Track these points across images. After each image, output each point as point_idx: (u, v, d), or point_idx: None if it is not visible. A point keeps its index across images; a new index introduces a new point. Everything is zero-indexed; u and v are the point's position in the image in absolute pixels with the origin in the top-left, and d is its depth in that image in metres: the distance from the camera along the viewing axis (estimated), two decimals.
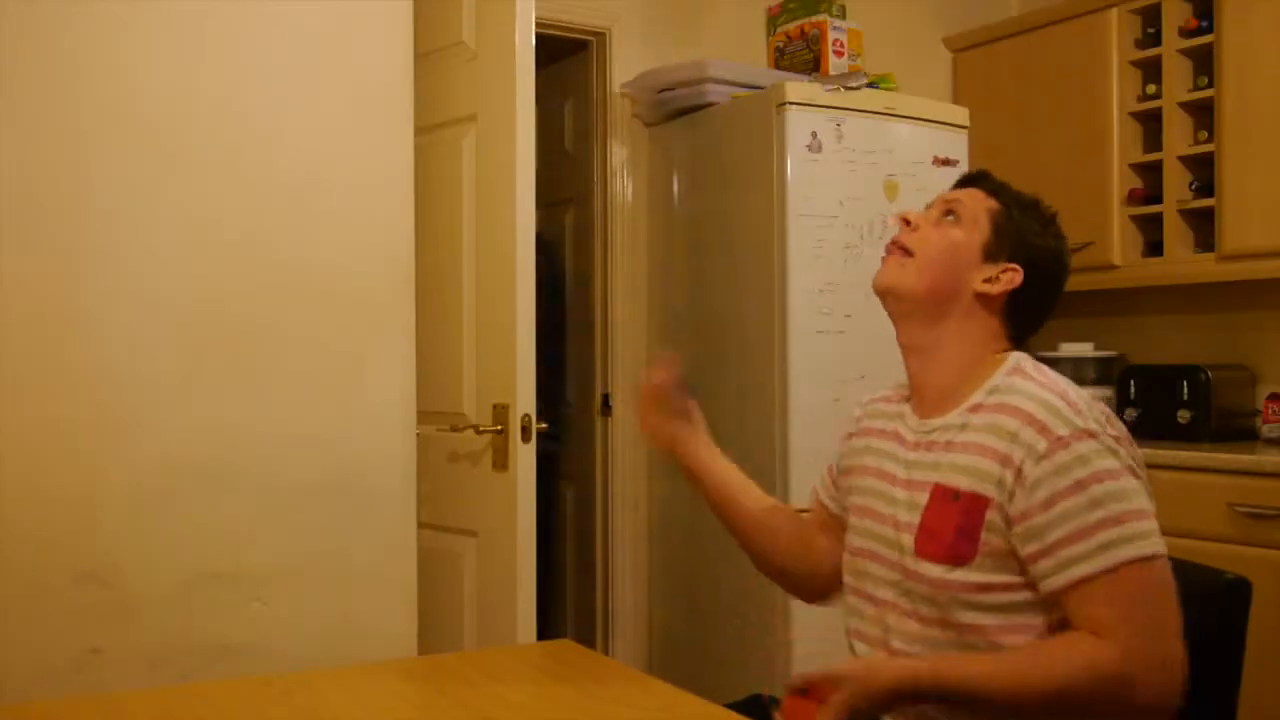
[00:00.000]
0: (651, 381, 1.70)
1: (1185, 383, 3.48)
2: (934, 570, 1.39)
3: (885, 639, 1.47)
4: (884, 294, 1.52)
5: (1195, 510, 3.05)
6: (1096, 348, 3.83)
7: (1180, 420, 3.46)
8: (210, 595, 2.06)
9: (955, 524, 1.38)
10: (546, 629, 2.57)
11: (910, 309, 1.51)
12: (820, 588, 1.70)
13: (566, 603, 3.81)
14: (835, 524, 1.65)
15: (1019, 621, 1.35)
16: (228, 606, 2.08)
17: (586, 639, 3.49)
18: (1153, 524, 1.32)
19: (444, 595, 2.61)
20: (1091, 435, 1.33)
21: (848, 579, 1.56)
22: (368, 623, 2.21)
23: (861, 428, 1.62)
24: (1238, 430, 3.51)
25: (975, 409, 1.43)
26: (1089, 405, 1.37)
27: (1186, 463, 3.12)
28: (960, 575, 1.37)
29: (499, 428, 2.49)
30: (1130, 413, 3.58)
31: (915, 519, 1.43)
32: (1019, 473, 1.34)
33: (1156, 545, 1.30)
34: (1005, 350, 1.49)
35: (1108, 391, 3.68)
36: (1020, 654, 1.33)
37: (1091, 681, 1.27)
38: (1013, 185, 1.55)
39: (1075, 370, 3.68)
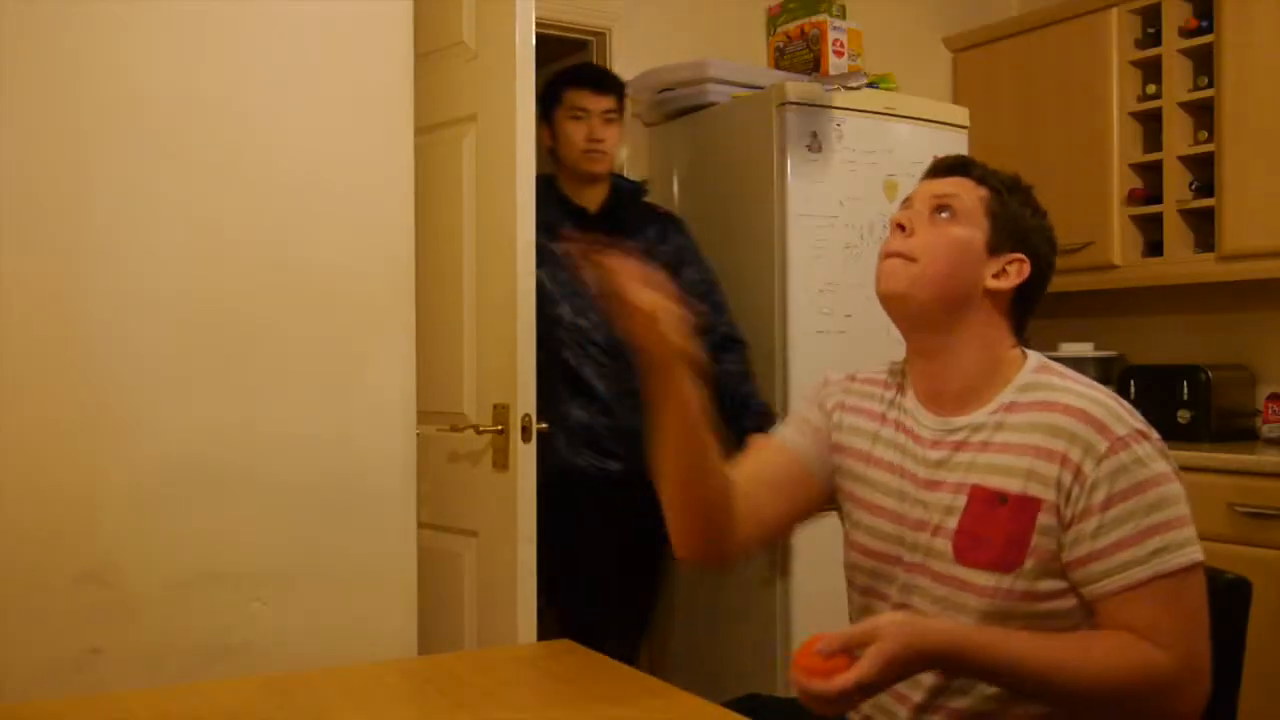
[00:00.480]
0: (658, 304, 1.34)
1: (1185, 383, 3.48)
2: (982, 578, 1.34)
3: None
4: (890, 302, 1.45)
5: (1195, 510, 3.03)
6: (1096, 348, 3.83)
7: (1180, 420, 3.46)
8: (210, 595, 2.06)
9: (1004, 528, 1.33)
10: (547, 629, 2.56)
11: (919, 316, 1.44)
12: (727, 551, 1.49)
13: None
14: (790, 473, 1.52)
15: (1057, 627, 1.33)
16: (228, 606, 2.08)
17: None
18: (1194, 531, 1.32)
19: (444, 595, 2.61)
20: (1146, 437, 1.32)
21: (859, 579, 1.50)
22: (368, 623, 2.21)
23: (849, 404, 1.55)
24: (1238, 430, 3.51)
25: (1010, 408, 1.38)
26: (1131, 408, 1.36)
27: (1186, 463, 3.09)
28: (1009, 583, 1.32)
29: (499, 428, 2.49)
30: None
31: (952, 523, 1.37)
32: (1078, 472, 1.30)
33: (1200, 553, 1.30)
34: (1015, 346, 1.46)
35: None
36: (1069, 642, 1.29)
37: (1145, 683, 1.26)
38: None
39: (1075, 370, 3.67)
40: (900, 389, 1.51)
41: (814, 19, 3.57)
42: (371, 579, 2.22)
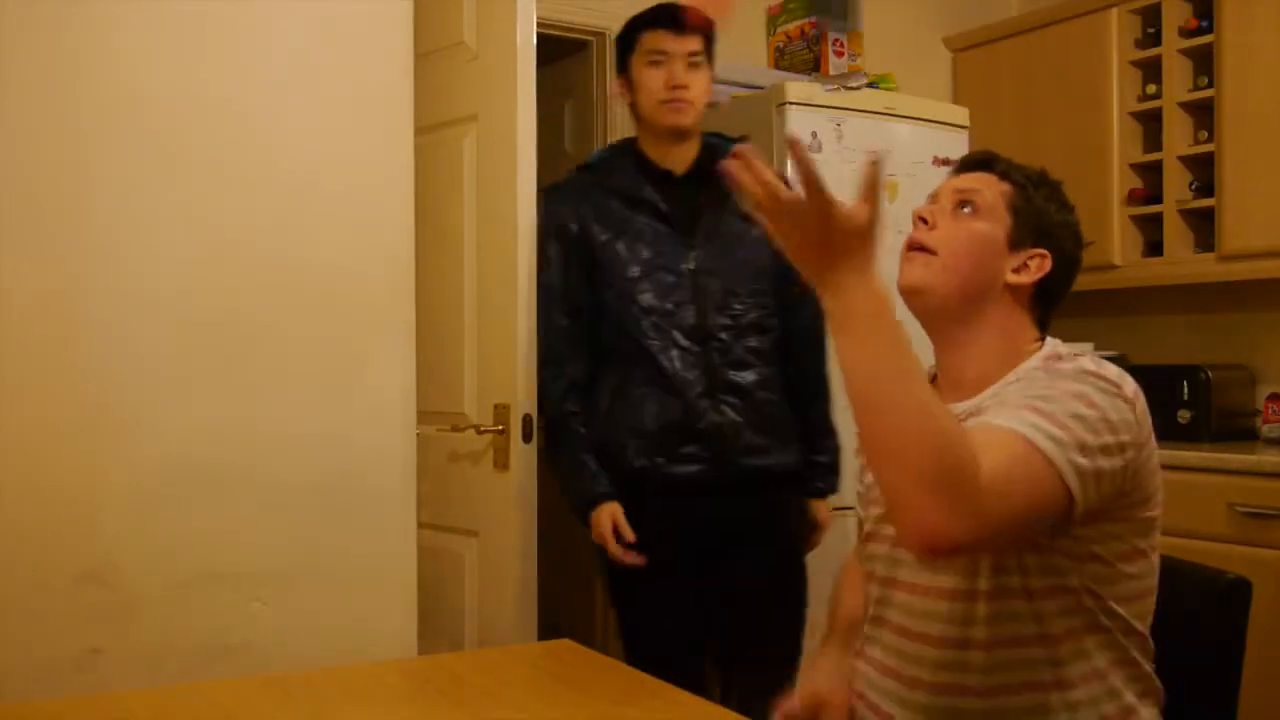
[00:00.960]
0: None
1: (1185, 383, 3.48)
2: (947, 581, 1.35)
3: (883, 614, 1.45)
4: (910, 294, 1.44)
5: (1195, 510, 3.05)
6: (1096, 348, 3.83)
7: (1180, 420, 3.46)
8: (210, 595, 2.06)
9: None
10: (546, 629, 2.56)
11: (939, 308, 1.43)
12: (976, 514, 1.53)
13: (567, 603, 3.80)
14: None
15: (1050, 583, 1.31)
16: (228, 606, 2.08)
17: (586, 639, 3.49)
18: (1084, 461, 1.21)
19: (444, 595, 2.61)
20: (1085, 372, 1.29)
21: (879, 570, 1.49)
22: (368, 623, 2.21)
23: None
24: (1238, 430, 3.51)
25: (1005, 386, 1.39)
26: (1119, 373, 1.30)
27: (1186, 463, 3.12)
28: (979, 585, 1.33)
29: (500, 428, 2.49)
30: None
31: None
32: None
33: (1046, 444, 1.19)
34: (1038, 339, 1.45)
35: None
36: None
37: (944, 444, 1.13)
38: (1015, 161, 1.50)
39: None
40: (931, 377, 1.50)
41: (814, 19, 3.57)
42: (371, 579, 2.22)
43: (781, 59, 3.67)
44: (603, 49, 3.58)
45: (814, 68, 3.51)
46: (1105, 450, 1.24)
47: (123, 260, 2.01)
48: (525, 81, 2.47)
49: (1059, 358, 1.39)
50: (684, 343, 2.28)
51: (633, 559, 2.23)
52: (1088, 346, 3.81)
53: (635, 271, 2.31)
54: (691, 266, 2.31)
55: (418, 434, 2.33)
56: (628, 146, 2.46)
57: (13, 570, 1.91)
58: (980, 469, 1.14)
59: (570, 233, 2.38)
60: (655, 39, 2.38)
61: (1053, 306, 1.48)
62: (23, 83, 1.93)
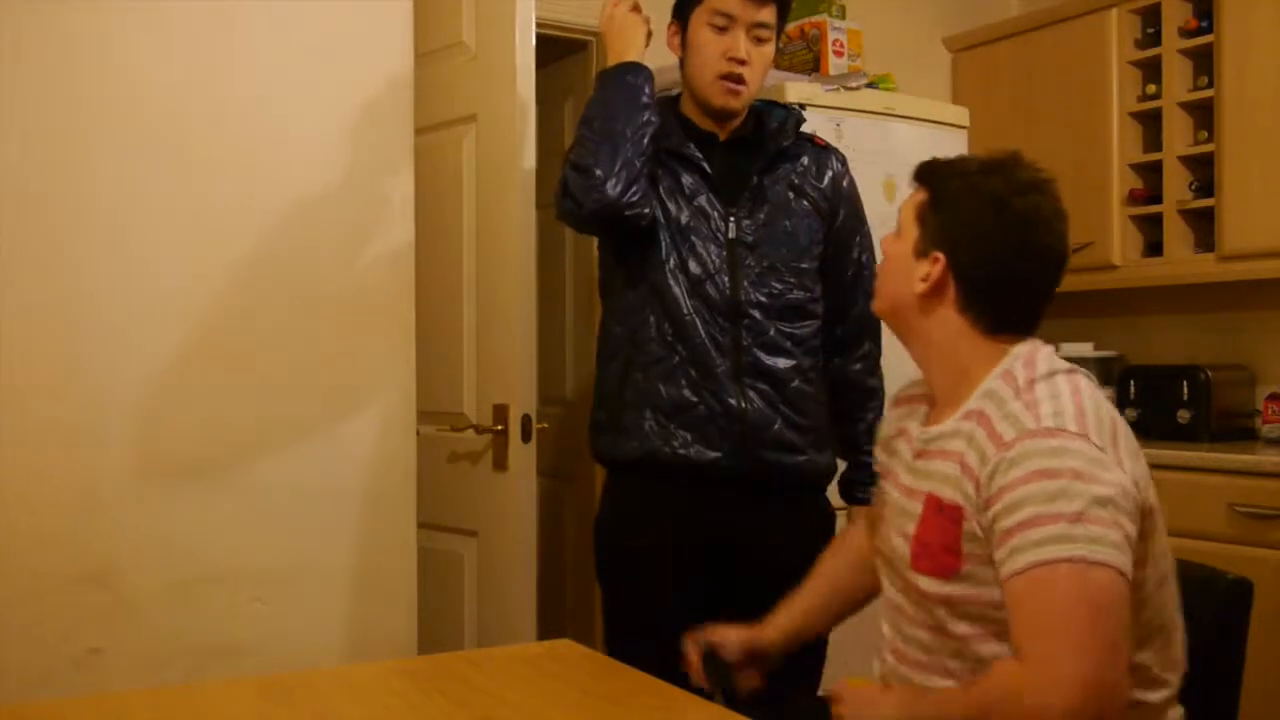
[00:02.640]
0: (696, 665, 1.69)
1: (1185, 383, 3.48)
2: (926, 583, 1.38)
3: (893, 641, 1.48)
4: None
5: (1195, 510, 3.04)
6: (1096, 348, 3.83)
7: (1180, 420, 3.46)
8: (210, 595, 2.06)
9: (941, 535, 1.36)
10: (546, 629, 2.56)
11: (892, 327, 1.54)
12: None
13: (566, 603, 3.80)
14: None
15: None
16: (228, 606, 2.08)
17: (586, 639, 3.49)
18: (1108, 532, 1.22)
19: (444, 595, 2.61)
20: (1045, 434, 1.27)
21: (883, 578, 1.56)
22: (368, 623, 2.22)
23: (892, 430, 1.59)
24: (1238, 430, 3.51)
25: (969, 415, 1.39)
26: (1061, 407, 1.29)
27: (1186, 463, 3.12)
28: (949, 589, 1.35)
29: (499, 428, 2.49)
30: (1130, 413, 3.58)
31: (912, 529, 1.41)
32: (975, 477, 1.32)
33: (1100, 553, 1.21)
34: (998, 343, 1.41)
35: (1108, 391, 3.68)
36: (964, 685, 1.34)
37: (1002, 702, 1.24)
38: (964, 157, 1.50)
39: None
40: (927, 397, 1.53)
41: (814, 19, 3.57)
42: (371, 579, 2.22)
43: (781, 59, 3.66)
44: (603, 49, 3.57)
45: (814, 68, 3.51)
46: (1100, 502, 1.24)
47: (122, 260, 2.01)
48: (525, 81, 2.47)
49: (1009, 375, 1.37)
50: (712, 315, 2.04)
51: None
52: (1088, 347, 3.81)
53: (669, 232, 2.06)
54: (731, 235, 2.06)
55: (417, 434, 2.33)
56: (670, 103, 2.19)
57: (13, 571, 1.91)
58: (1016, 674, 1.24)
59: None
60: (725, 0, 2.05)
61: (994, 308, 1.41)
62: (23, 82, 1.93)
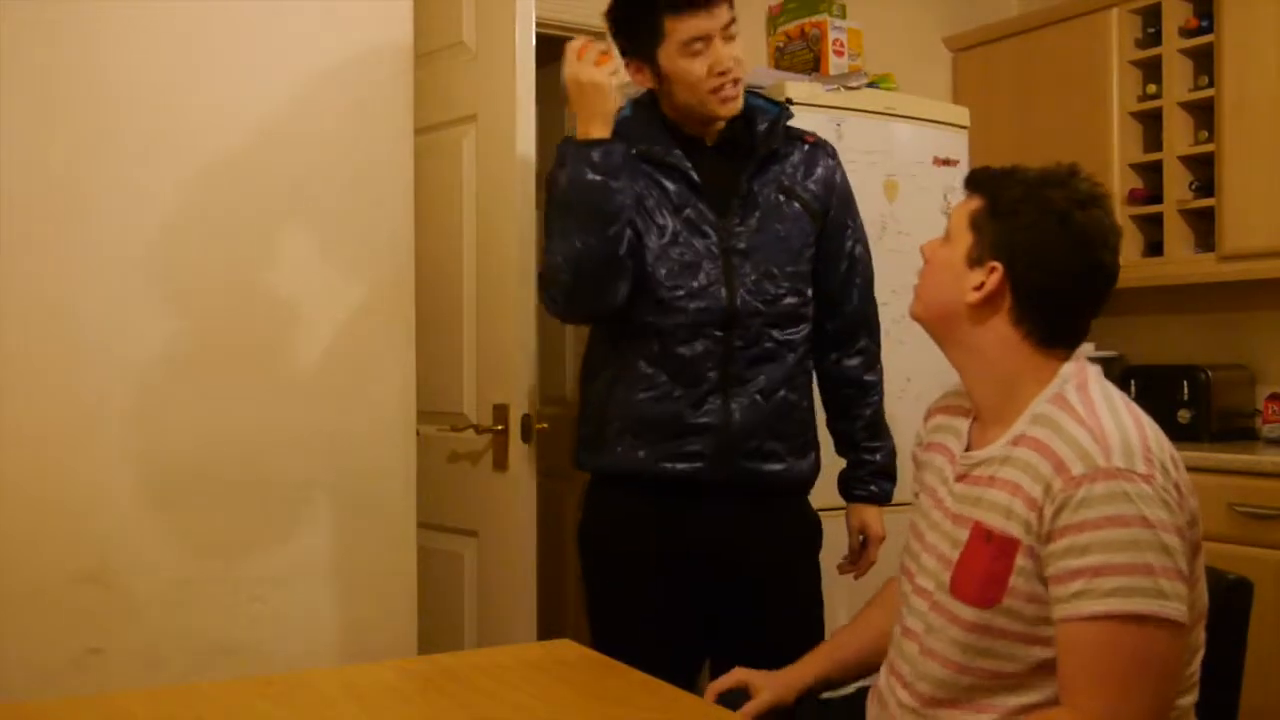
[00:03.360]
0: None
1: (1185, 383, 3.48)
2: (966, 612, 1.35)
3: (896, 662, 1.48)
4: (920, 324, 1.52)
5: None
6: (1097, 348, 3.83)
7: (1180, 420, 3.46)
8: (210, 595, 2.06)
9: (987, 566, 1.33)
10: (546, 629, 2.56)
11: (934, 334, 1.49)
12: None
13: (567, 603, 3.81)
14: None
15: (1040, 670, 1.32)
16: (228, 606, 2.08)
17: (586, 639, 3.48)
18: (1174, 583, 1.23)
19: (444, 595, 2.61)
20: (1115, 475, 1.26)
21: (899, 587, 1.54)
22: (368, 623, 2.21)
23: (929, 441, 1.56)
24: (1238, 430, 3.51)
25: (1018, 441, 1.36)
26: (1128, 441, 1.28)
27: (1186, 463, 3.07)
28: (988, 619, 1.33)
29: (499, 427, 2.49)
30: None
31: (955, 555, 1.39)
32: (1040, 512, 1.29)
33: (1166, 608, 1.22)
34: (1047, 358, 1.40)
35: None
36: None
37: None
38: (1019, 167, 1.45)
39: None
40: (968, 413, 1.51)
41: (814, 19, 3.57)
42: (371, 579, 2.22)
43: (781, 59, 3.67)
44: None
45: (814, 68, 3.51)
46: (1166, 550, 1.24)
47: (122, 260, 2.01)
48: (525, 81, 2.47)
49: (1063, 399, 1.35)
50: (704, 326, 2.00)
51: None
52: (1088, 347, 3.80)
53: (657, 243, 2.01)
54: (723, 243, 2.03)
55: (417, 434, 2.33)
56: (651, 103, 2.12)
57: (13, 570, 1.91)
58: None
59: None
60: (688, 25, 1.98)
61: (1048, 322, 1.40)
62: (23, 83, 1.93)
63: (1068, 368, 1.40)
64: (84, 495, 1.97)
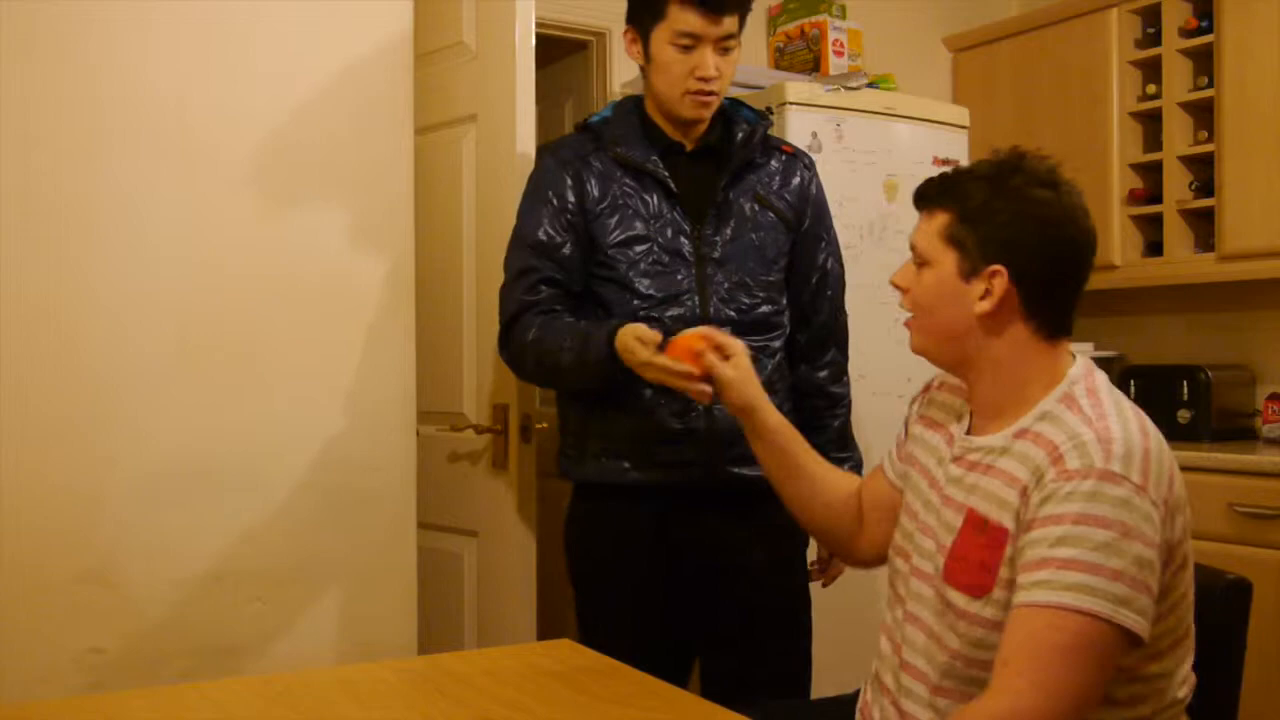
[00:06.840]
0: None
1: (1185, 383, 3.48)
2: (959, 599, 1.36)
3: (898, 646, 1.47)
4: (922, 357, 1.50)
5: (1195, 510, 3.00)
6: (1096, 348, 3.83)
7: (1180, 420, 3.46)
8: (210, 595, 2.06)
9: (979, 554, 1.34)
10: (546, 629, 2.56)
11: (942, 362, 1.48)
12: (860, 558, 1.72)
13: (566, 603, 3.80)
14: (892, 499, 1.60)
15: None
16: (228, 606, 2.08)
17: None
18: (1138, 595, 1.23)
19: (444, 595, 2.61)
20: (1108, 478, 1.25)
21: (890, 567, 1.54)
22: (368, 623, 2.21)
23: (925, 414, 1.57)
24: (1238, 430, 3.51)
25: (1021, 434, 1.36)
26: (1130, 449, 1.27)
27: (1186, 463, 3.09)
28: (978, 608, 1.33)
29: (499, 427, 2.49)
30: None
31: (949, 541, 1.39)
32: (1028, 501, 1.29)
33: (1120, 613, 1.22)
34: (1054, 354, 1.40)
35: None
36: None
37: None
38: (961, 169, 1.46)
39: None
40: (968, 399, 1.51)
41: (814, 19, 3.57)
42: (371, 579, 2.22)
43: (781, 59, 3.67)
44: (603, 49, 3.58)
45: (814, 68, 3.51)
46: (1140, 563, 1.24)
47: (123, 260, 2.01)
48: (525, 81, 2.47)
49: (1071, 399, 1.35)
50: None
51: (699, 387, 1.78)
52: (1088, 347, 3.81)
53: (633, 252, 2.02)
54: (697, 250, 2.04)
55: (417, 434, 2.33)
56: (633, 106, 2.13)
57: (13, 570, 1.91)
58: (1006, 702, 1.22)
59: (565, 200, 2.05)
60: (686, 19, 1.97)
61: (1054, 309, 1.40)
62: (23, 83, 1.93)
63: (1075, 370, 1.40)
64: (84, 495, 1.97)
